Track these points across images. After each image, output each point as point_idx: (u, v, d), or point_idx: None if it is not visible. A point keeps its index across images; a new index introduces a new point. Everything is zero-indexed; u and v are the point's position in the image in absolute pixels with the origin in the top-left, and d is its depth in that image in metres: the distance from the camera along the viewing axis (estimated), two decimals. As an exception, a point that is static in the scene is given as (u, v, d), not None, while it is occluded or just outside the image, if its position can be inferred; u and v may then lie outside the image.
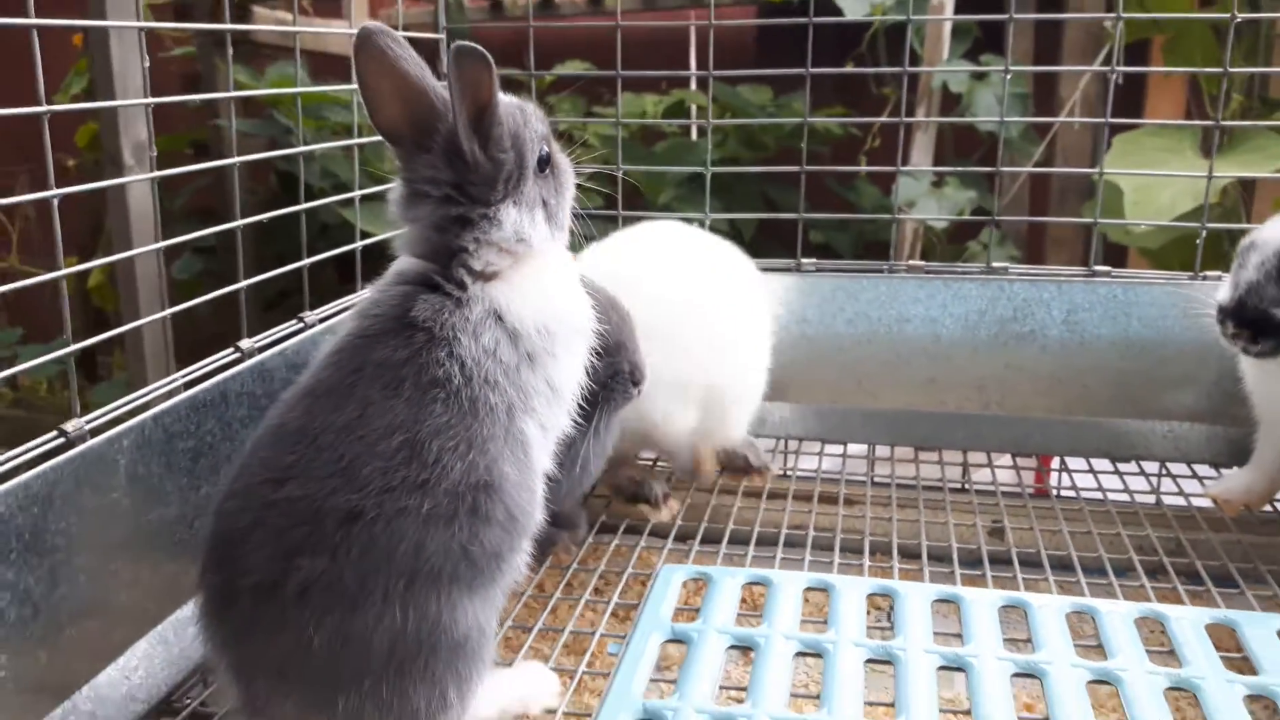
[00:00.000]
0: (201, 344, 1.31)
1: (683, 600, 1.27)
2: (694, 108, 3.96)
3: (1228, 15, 1.57)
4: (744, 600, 1.31)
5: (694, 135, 4.03)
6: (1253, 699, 1.03)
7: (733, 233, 3.79)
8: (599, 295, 1.28)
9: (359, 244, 1.61)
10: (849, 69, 3.18)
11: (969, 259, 3.58)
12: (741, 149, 3.89)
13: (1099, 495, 1.58)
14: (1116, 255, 3.31)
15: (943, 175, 3.68)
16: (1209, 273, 1.61)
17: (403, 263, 1.05)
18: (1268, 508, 1.51)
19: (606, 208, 1.72)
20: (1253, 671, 1.08)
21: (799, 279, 1.73)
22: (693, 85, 4.01)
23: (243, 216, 1.36)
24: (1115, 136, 3.20)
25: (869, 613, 1.27)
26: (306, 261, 1.51)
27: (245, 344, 1.29)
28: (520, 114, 1.04)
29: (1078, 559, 1.35)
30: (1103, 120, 1.70)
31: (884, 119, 2.02)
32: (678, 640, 1.16)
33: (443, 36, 1.86)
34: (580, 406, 1.21)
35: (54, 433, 1.00)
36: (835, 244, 3.84)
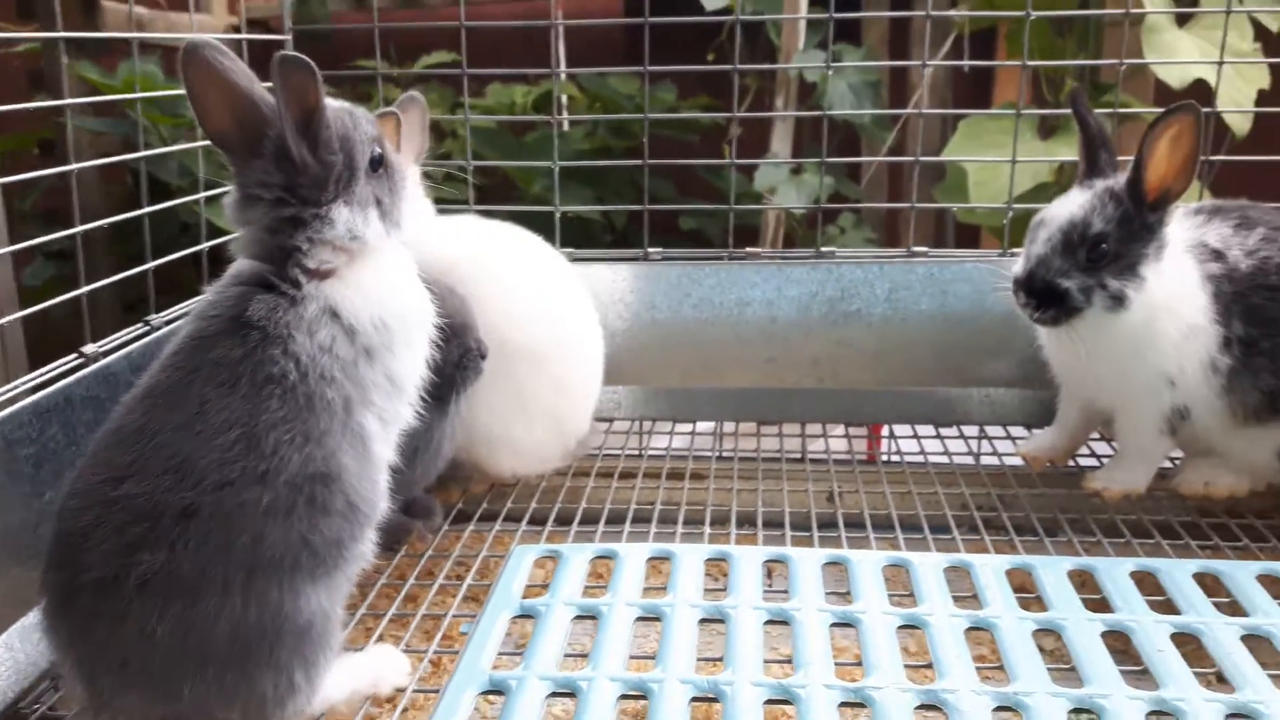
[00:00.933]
0: (58, 352, 1.31)
1: (539, 579, 1.33)
2: (564, 98, 4.00)
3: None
4: (598, 574, 1.38)
5: (565, 125, 4.07)
6: (1042, 633, 1.16)
7: (606, 222, 3.88)
8: (436, 283, 1.34)
9: (205, 245, 1.62)
10: (684, 67, 3.27)
11: (828, 242, 3.73)
12: (612, 138, 3.95)
13: (921, 459, 1.71)
14: (970, 235, 3.50)
15: (801, 162, 3.82)
16: (1016, 250, 1.75)
17: (240, 264, 1.08)
18: (1070, 463, 1.66)
19: (479, 200, 1.77)
20: (1043, 608, 1.21)
21: (647, 267, 1.81)
22: (562, 75, 4.05)
23: (98, 216, 1.36)
24: (960, 122, 3.38)
25: (712, 577, 1.37)
26: (154, 264, 1.52)
27: (89, 349, 1.30)
28: (349, 118, 1.08)
29: (898, 518, 1.47)
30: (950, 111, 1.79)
31: (732, 114, 2.10)
32: (527, 615, 1.23)
33: (288, 38, 1.88)
34: (431, 393, 1.26)
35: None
36: (707, 230, 3.94)
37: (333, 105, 1.07)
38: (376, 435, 1.08)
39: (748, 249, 1.82)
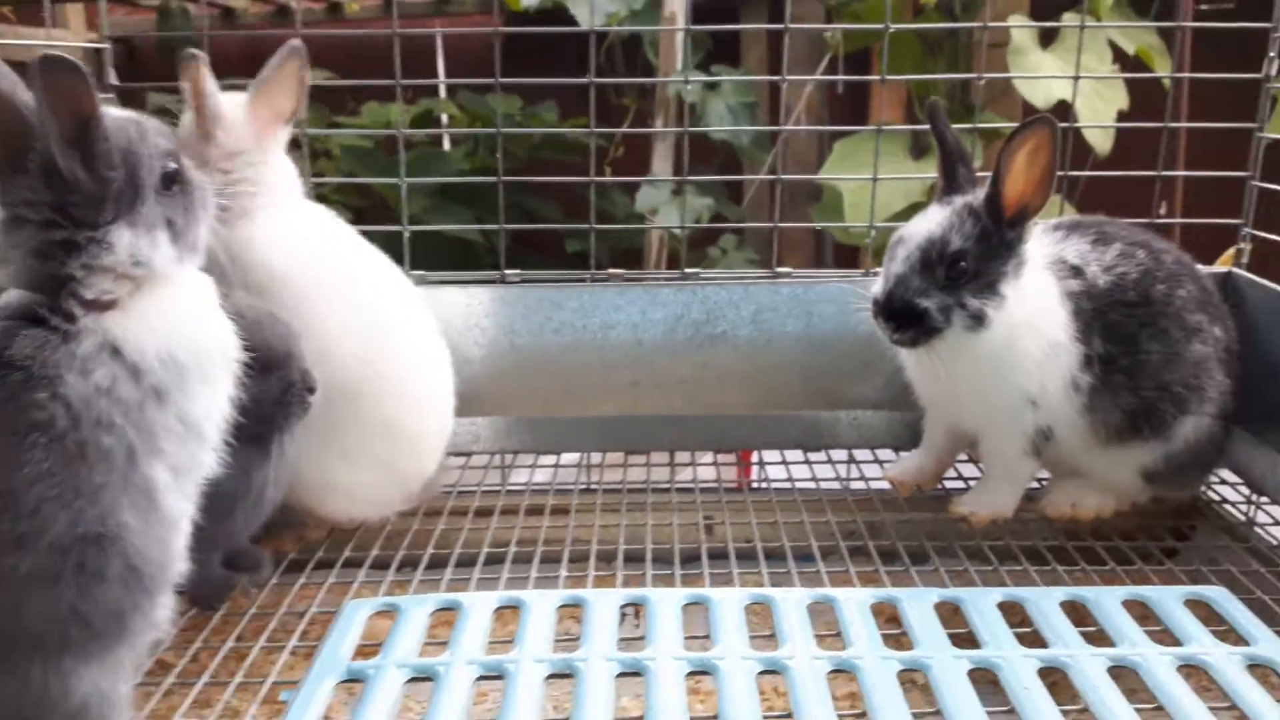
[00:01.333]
0: None
1: (375, 635, 1.22)
2: (444, 116, 3.92)
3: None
4: (443, 626, 1.28)
5: (446, 144, 3.98)
6: (905, 673, 1.10)
7: (486, 243, 3.78)
8: (255, 309, 1.22)
9: None
10: (540, 79, 3.22)
11: (710, 264, 3.70)
12: (490, 158, 3.87)
13: (789, 485, 1.65)
14: (850, 255, 3.51)
15: (682, 183, 3.79)
16: (878, 269, 1.72)
17: (7, 296, 0.95)
18: (939, 486, 1.62)
19: (355, 221, 1.65)
20: (910, 644, 1.15)
21: (505, 291, 1.72)
22: (442, 93, 3.96)
23: None
24: (835, 142, 3.39)
25: (568, 623, 1.27)
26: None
27: None
28: (135, 129, 0.96)
29: (765, 550, 1.41)
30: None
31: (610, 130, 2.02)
32: (355, 679, 1.12)
33: (107, 46, 1.73)
34: (250, 433, 1.14)
35: None
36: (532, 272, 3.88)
37: (115, 115, 0.95)
38: (167, 488, 0.95)
39: (610, 270, 1.74)
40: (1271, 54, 1.67)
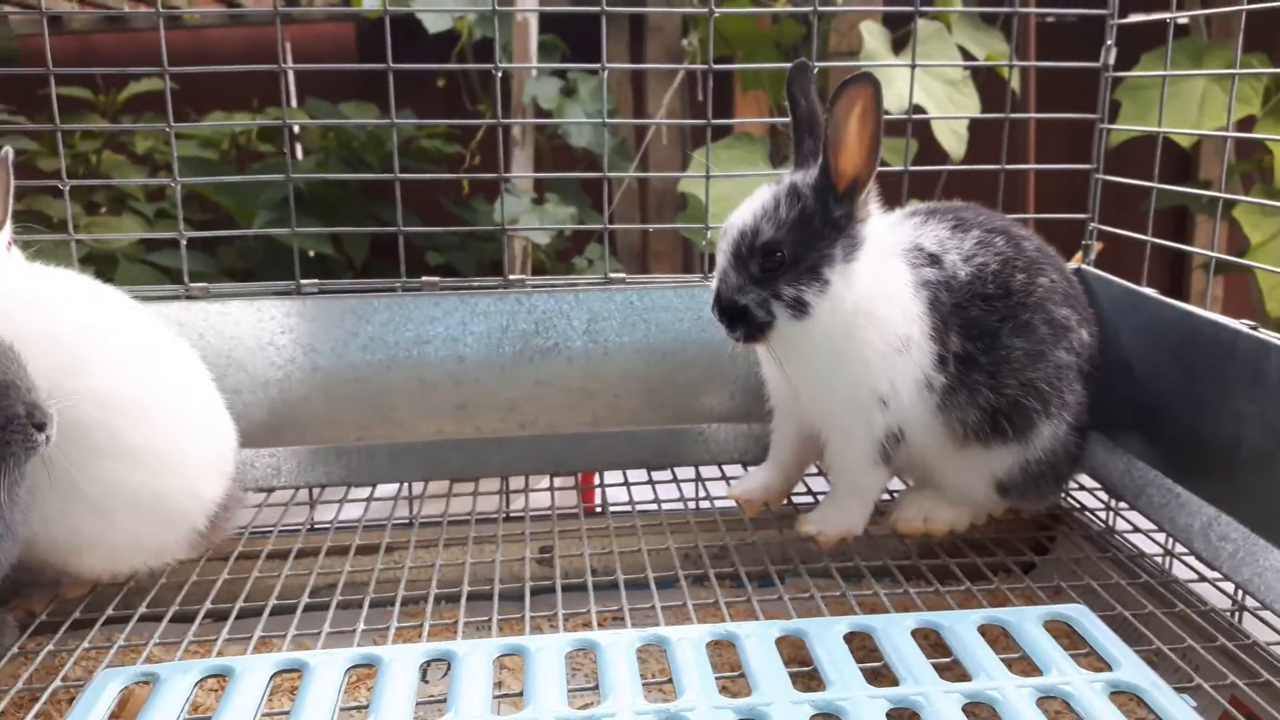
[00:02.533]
0: None
1: (134, 708, 1.02)
2: (295, 126, 3.71)
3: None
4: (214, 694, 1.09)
5: (300, 154, 3.79)
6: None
7: (342, 256, 3.57)
8: None
9: None
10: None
11: (577, 274, 3.58)
12: (344, 169, 3.70)
13: (628, 509, 1.50)
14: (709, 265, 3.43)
15: (543, 192, 3.66)
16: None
17: None
18: (785, 503, 1.49)
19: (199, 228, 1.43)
20: (747, 691, 1.01)
21: (301, 303, 1.52)
22: (293, 102, 3.75)
23: None
24: (696, 150, 3.31)
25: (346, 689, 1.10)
26: None
27: None
28: None
29: (593, 583, 1.26)
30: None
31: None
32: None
33: None
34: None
35: None
36: (456, 264, 3.72)
37: None
38: None
39: (423, 278, 1.56)
40: (1109, 42, 1.62)
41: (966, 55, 3.22)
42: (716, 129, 1.54)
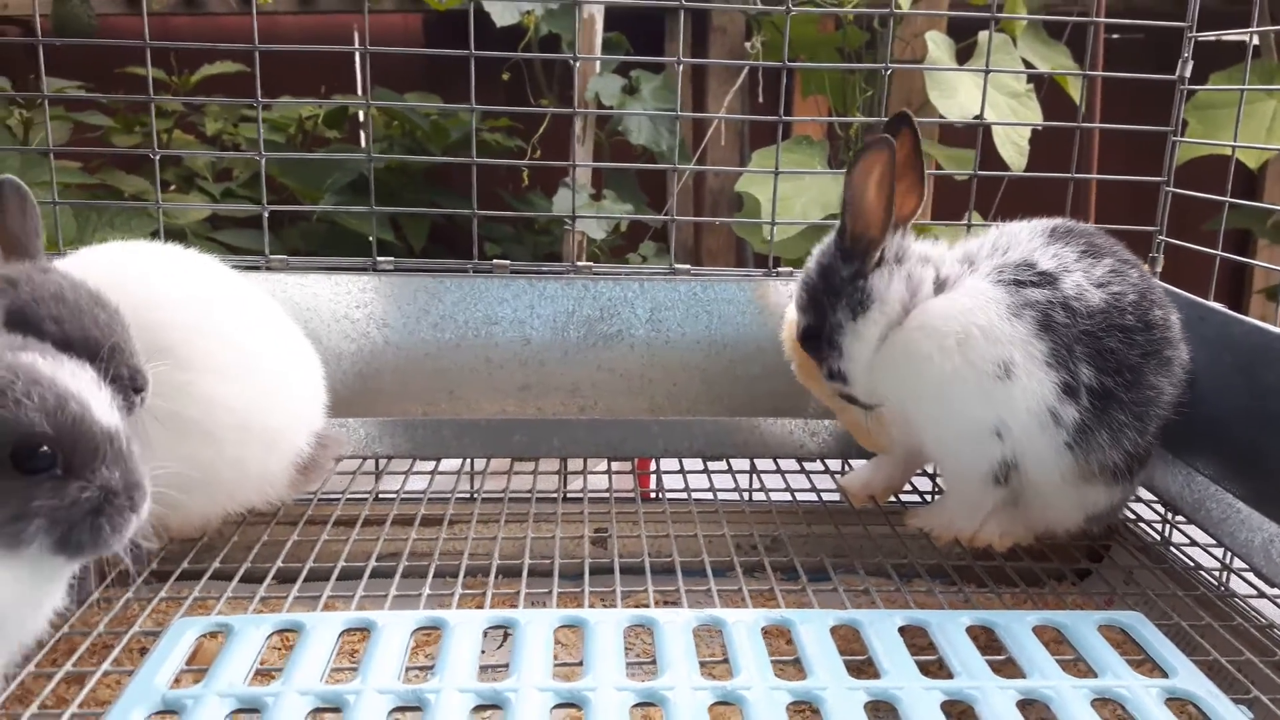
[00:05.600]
0: None
1: (206, 659, 1.06)
2: (360, 114, 3.80)
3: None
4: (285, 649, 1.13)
5: (363, 143, 3.86)
6: (796, 705, 0.99)
7: (402, 242, 3.63)
8: (76, 290, 1.06)
9: None
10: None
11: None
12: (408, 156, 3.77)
13: (685, 496, 1.53)
14: (765, 265, 3.46)
15: (601, 187, 3.71)
16: (781, 270, 1.62)
17: None
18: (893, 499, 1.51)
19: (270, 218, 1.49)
20: (803, 675, 1.03)
21: (376, 279, 1.56)
22: (358, 90, 3.81)
23: None
24: (755, 151, 3.34)
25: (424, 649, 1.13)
26: None
27: None
28: None
29: (653, 565, 1.28)
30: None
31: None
32: (170, 711, 0.96)
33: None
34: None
35: None
36: (513, 255, 3.78)
37: None
38: None
39: (493, 261, 1.60)
40: (1185, 55, 1.62)
41: (1030, 67, 3.21)
42: (774, 128, 1.56)
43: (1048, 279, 1.23)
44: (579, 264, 1.58)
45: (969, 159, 1.96)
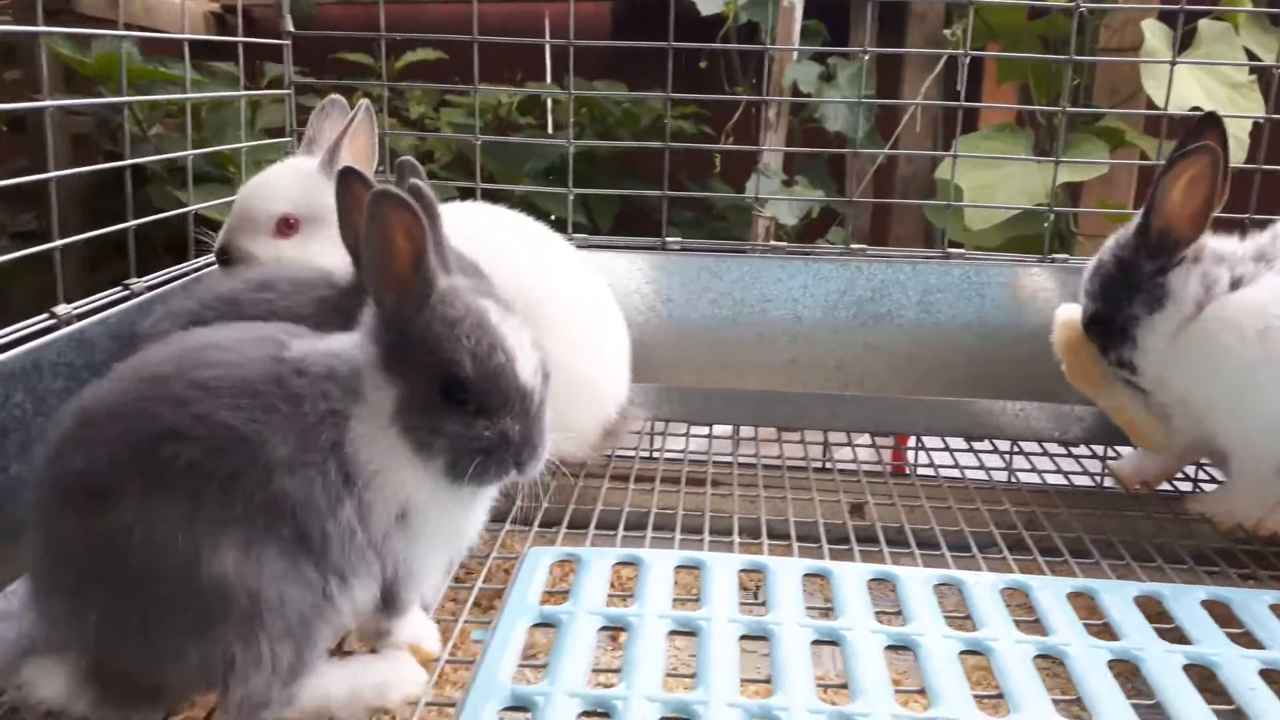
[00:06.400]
0: None
1: (551, 584, 1.21)
2: (549, 101, 3.95)
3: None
4: (614, 582, 1.26)
5: (550, 129, 4.01)
6: (1115, 663, 1.06)
7: (590, 224, 3.79)
8: (460, 259, 1.22)
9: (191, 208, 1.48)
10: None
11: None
12: (599, 140, 3.91)
13: (955, 473, 1.60)
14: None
15: (794, 174, 3.77)
16: (1056, 255, 1.67)
17: None
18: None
19: (463, 196, 1.65)
20: (1113, 637, 1.11)
21: (664, 258, 1.70)
22: (548, 78, 3.98)
23: (70, 197, 1.22)
24: (956, 139, 3.33)
25: (741, 590, 1.25)
26: (131, 224, 1.37)
27: (61, 309, 1.15)
28: None
29: (940, 534, 1.36)
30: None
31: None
32: (547, 623, 1.11)
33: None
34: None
35: None
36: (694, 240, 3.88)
37: None
38: None
39: (773, 242, 1.71)
40: None
41: (1252, 58, 3.10)
42: (970, 118, 1.62)
43: None
44: (852, 246, 1.68)
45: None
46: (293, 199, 1.39)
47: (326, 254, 1.34)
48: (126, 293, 1.29)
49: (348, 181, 1.10)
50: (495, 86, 3.56)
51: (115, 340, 1.20)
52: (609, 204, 3.80)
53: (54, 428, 0.88)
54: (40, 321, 1.13)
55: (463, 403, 0.96)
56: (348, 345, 0.97)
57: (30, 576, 0.91)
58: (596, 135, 3.93)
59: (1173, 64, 1.68)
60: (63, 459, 0.86)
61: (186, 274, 1.45)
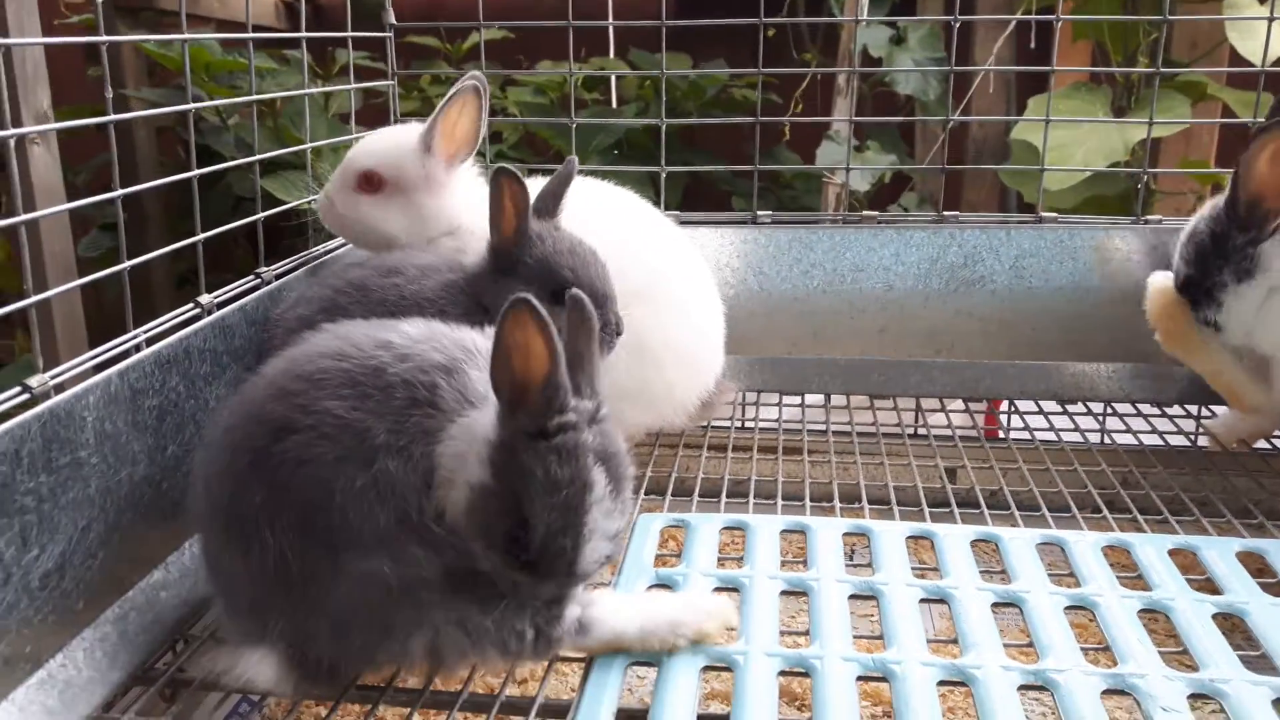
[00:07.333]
0: (112, 327, 1.21)
1: (661, 547, 1.27)
2: (613, 76, 3.97)
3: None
4: (720, 546, 1.32)
5: (614, 103, 4.03)
6: (1220, 617, 1.08)
7: (654, 199, 3.82)
8: (583, 245, 1.27)
9: (259, 215, 1.54)
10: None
11: (890, 224, 3.66)
12: (666, 116, 3.92)
13: (1050, 436, 1.62)
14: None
15: (864, 139, 3.75)
16: (1150, 217, 1.67)
17: None
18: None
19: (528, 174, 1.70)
20: (1216, 591, 1.13)
21: (755, 231, 1.73)
22: (611, 52, 4.00)
23: (149, 190, 1.30)
24: (1029, 98, 3.29)
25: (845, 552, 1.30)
26: (255, 218, 1.45)
27: (204, 299, 1.24)
28: None
29: (1040, 495, 1.39)
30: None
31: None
32: (663, 585, 1.17)
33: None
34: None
35: (18, 389, 0.95)
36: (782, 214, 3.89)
37: None
38: None
39: (863, 213, 1.73)
40: None
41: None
42: (1041, 78, 1.62)
43: None
44: (945, 213, 1.69)
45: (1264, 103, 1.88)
46: (380, 157, 1.45)
47: (401, 218, 1.42)
48: (257, 281, 1.37)
49: (500, 183, 1.16)
50: (553, 67, 3.59)
51: (252, 325, 1.28)
52: (675, 178, 3.83)
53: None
54: (186, 311, 1.21)
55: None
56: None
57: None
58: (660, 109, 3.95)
59: (1269, 20, 1.66)
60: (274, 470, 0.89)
61: (308, 261, 1.53)
